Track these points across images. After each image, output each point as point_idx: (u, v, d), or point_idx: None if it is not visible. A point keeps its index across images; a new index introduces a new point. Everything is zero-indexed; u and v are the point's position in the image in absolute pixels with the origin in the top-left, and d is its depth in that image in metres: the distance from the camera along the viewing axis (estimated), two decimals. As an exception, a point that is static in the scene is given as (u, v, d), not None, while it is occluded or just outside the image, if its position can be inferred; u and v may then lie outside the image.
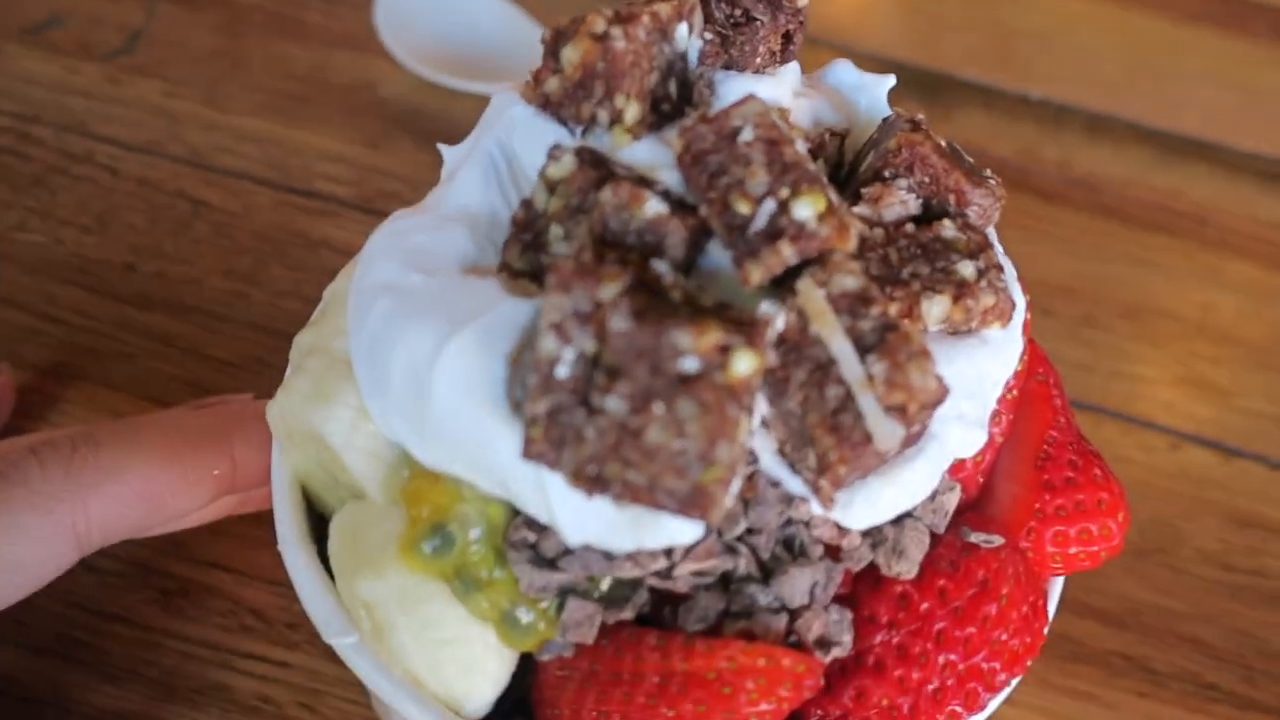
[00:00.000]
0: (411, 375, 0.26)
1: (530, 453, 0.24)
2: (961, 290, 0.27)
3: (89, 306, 0.47)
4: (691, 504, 0.23)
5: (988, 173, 0.30)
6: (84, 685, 0.37)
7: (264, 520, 0.41)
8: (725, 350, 0.22)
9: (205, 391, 0.45)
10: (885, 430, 0.24)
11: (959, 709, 0.28)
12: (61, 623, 0.38)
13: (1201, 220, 0.61)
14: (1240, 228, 0.61)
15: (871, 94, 0.32)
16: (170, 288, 0.48)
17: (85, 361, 0.45)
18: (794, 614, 0.27)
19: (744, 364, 0.22)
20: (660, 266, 0.24)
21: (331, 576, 0.29)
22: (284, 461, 0.31)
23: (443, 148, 0.30)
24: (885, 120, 0.31)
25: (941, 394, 0.25)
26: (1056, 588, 0.32)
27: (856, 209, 0.29)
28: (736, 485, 0.24)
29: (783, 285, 0.26)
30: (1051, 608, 0.31)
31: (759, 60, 0.30)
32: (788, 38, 0.30)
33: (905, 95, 0.63)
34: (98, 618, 0.39)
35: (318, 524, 0.31)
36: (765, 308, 0.24)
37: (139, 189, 0.51)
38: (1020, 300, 0.30)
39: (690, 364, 0.22)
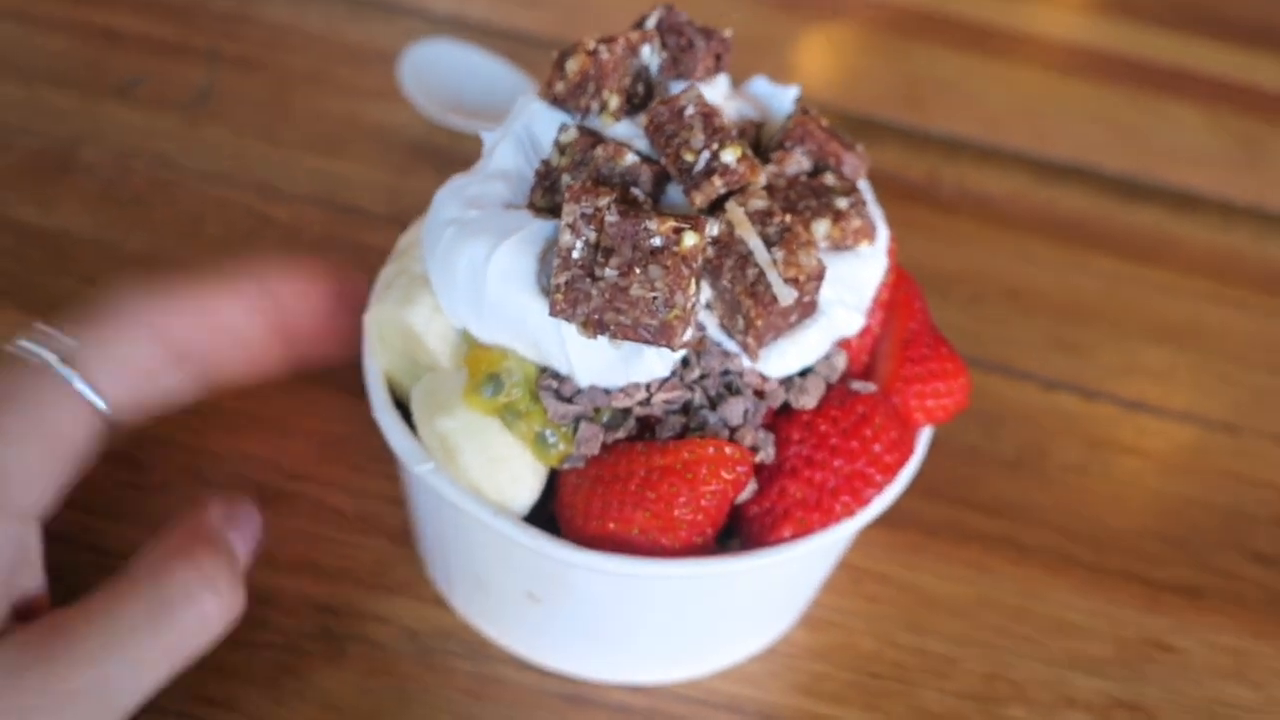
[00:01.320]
0: (471, 273, 0.38)
1: (554, 310, 0.37)
2: (838, 215, 0.41)
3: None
4: (660, 335, 0.36)
5: (858, 145, 0.44)
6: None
7: (335, 445, 0.53)
8: (678, 231, 0.35)
9: (281, 355, 0.57)
10: (785, 292, 0.37)
11: (850, 500, 0.40)
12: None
13: (1071, 224, 0.75)
14: (1101, 229, 0.75)
15: (781, 98, 0.46)
16: (249, 280, 0.61)
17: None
18: (733, 430, 0.39)
19: (690, 239, 0.35)
20: (636, 191, 0.38)
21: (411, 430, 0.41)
22: (373, 360, 0.43)
23: (483, 133, 0.43)
24: (789, 113, 0.45)
25: (821, 269, 0.38)
26: (925, 435, 0.44)
27: (767, 167, 0.42)
28: (691, 333, 0.37)
29: (716, 208, 0.39)
30: (920, 450, 0.44)
31: (700, 73, 0.44)
32: (719, 58, 0.44)
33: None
34: (212, 513, 0.51)
35: (397, 407, 0.43)
36: (705, 218, 0.38)
37: (219, 208, 0.64)
38: (883, 228, 0.43)
39: (656, 241, 0.35)
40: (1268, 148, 0.84)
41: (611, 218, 0.35)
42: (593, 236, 0.36)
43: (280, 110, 0.71)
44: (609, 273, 0.36)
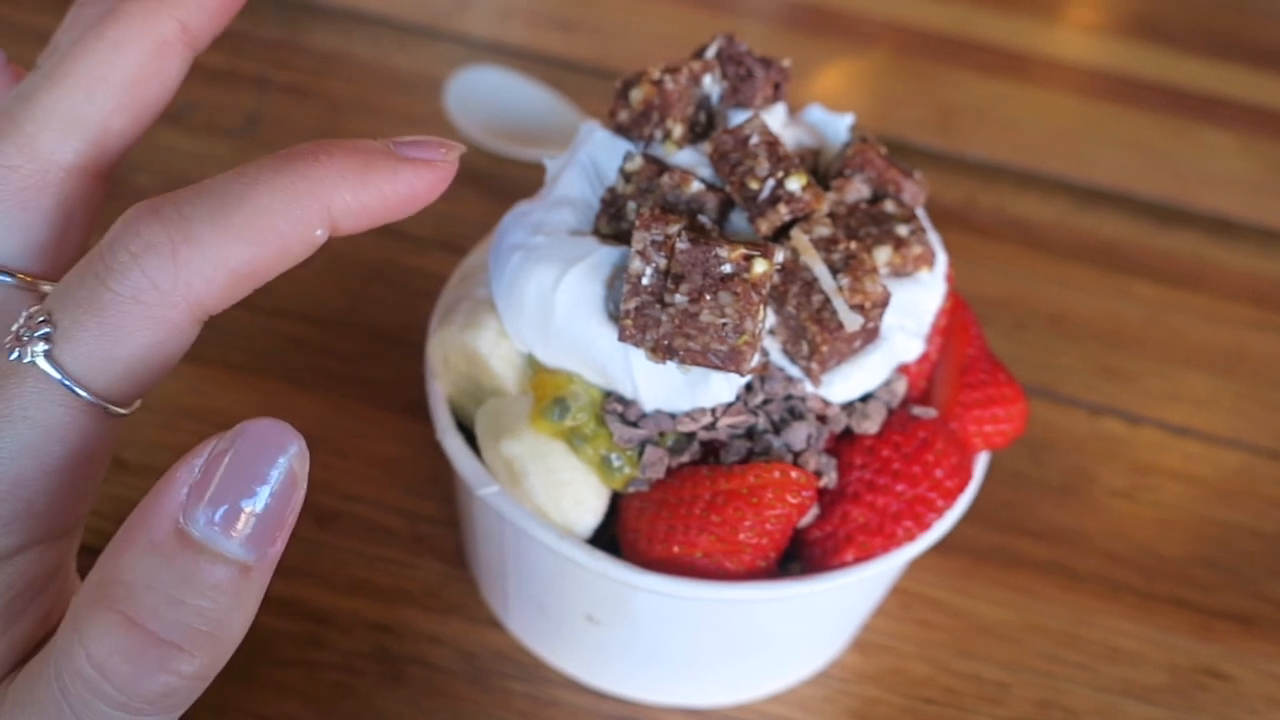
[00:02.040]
0: (539, 299, 0.39)
1: (624, 336, 0.37)
2: (899, 243, 0.41)
3: (240, 318, 0.59)
4: (730, 360, 0.36)
5: (916, 172, 0.44)
6: (263, 580, 0.49)
7: (390, 467, 0.54)
8: (749, 258, 0.36)
9: (334, 378, 0.58)
10: (851, 319, 0.38)
11: (912, 525, 0.40)
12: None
13: (1112, 251, 0.75)
14: (1140, 257, 0.75)
15: (835, 127, 0.47)
16: (300, 304, 0.61)
17: (241, 357, 0.58)
18: (797, 455, 0.40)
19: (760, 267, 0.36)
20: (703, 219, 0.38)
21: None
22: (437, 385, 0.44)
23: (546, 160, 0.44)
24: (846, 141, 0.45)
25: (886, 296, 0.38)
26: (982, 460, 0.45)
27: (828, 195, 0.43)
28: (757, 359, 0.37)
29: (781, 236, 0.40)
30: (978, 474, 0.44)
31: (759, 101, 0.45)
32: (777, 87, 0.45)
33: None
34: (268, 534, 0.51)
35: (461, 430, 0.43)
36: (773, 245, 0.38)
37: (268, 232, 0.65)
38: (942, 254, 0.43)
39: (727, 268, 0.36)
40: (1304, 173, 0.84)
41: (682, 245, 0.36)
42: (663, 263, 0.36)
43: (330, 136, 0.72)
44: (679, 299, 0.36)
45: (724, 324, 0.36)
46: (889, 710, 0.49)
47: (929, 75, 0.89)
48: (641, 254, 0.37)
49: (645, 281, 0.37)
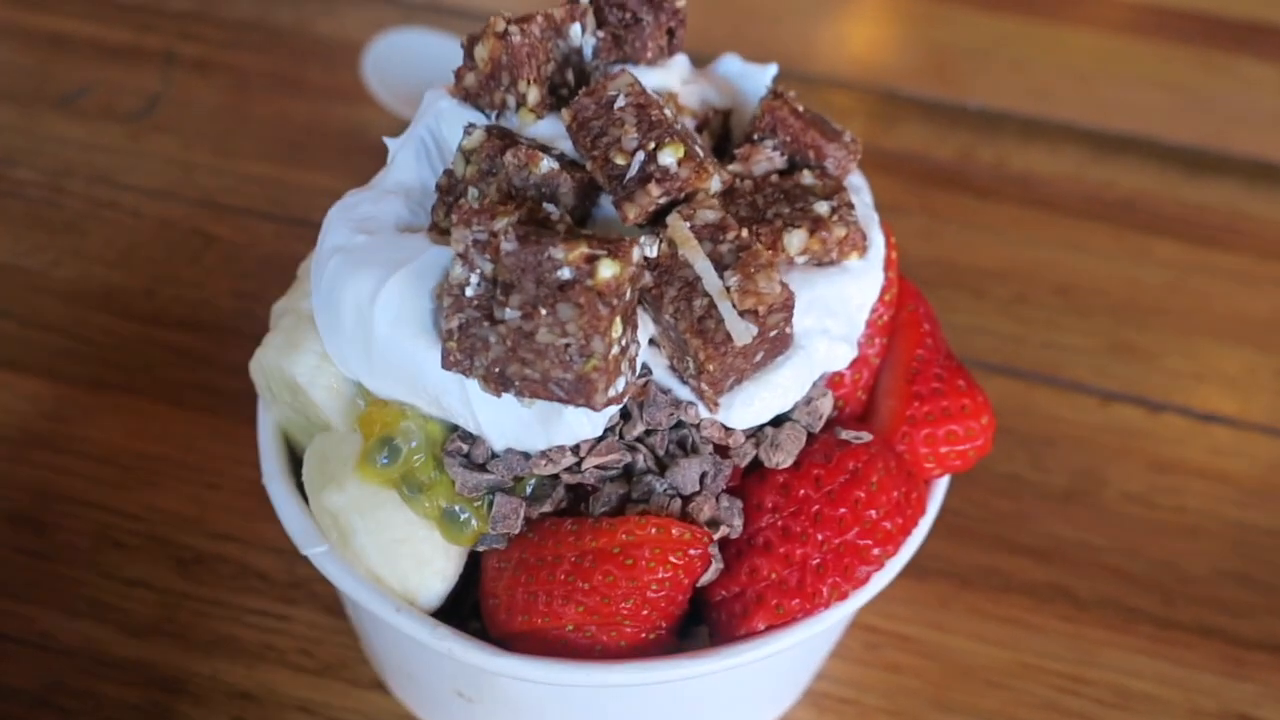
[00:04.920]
0: (357, 314, 0.31)
1: (448, 363, 0.29)
2: (817, 224, 0.33)
3: (115, 328, 0.53)
4: (577, 391, 0.28)
5: (846, 133, 0.35)
6: (112, 640, 0.42)
7: (267, 498, 0.47)
8: (592, 260, 0.27)
9: (218, 394, 0.51)
10: (740, 329, 0.29)
11: (839, 580, 0.32)
12: (92, 589, 0.44)
13: (1131, 206, 0.66)
14: (1166, 210, 0.65)
15: (755, 80, 0.38)
16: (186, 309, 0.54)
17: (112, 374, 0.51)
18: (687, 500, 0.32)
19: (607, 270, 0.27)
20: (549, 207, 0.30)
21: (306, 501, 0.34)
22: (268, 414, 0.36)
23: (386, 139, 0.36)
24: (761, 99, 0.37)
25: (787, 297, 0.30)
26: (940, 489, 0.36)
27: (731, 167, 0.34)
28: (621, 385, 0.29)
29: (657, 223, 0.31)
30: (934, 507, 0.36)
31: (649, 54, 0.36)
32: (671, 34, 0.36)
33: (852, 112, 0.69)
34: (124, 584, 0.44)
35: (297, 467, 0.36)
36: (642, 242, 0.30)
37: (159, 228, 0.58)
38: (878, 238, 0.35)
39: (565, 273, 0.28)
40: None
41: (508, 244, 0.28)
42: (489, 268, 0.28)
43: (235, 117, 0.64)
44: (510, 314, 0.28)
45: (566, 345, 0.28)
46: (846, 778, 0.41)
47: (922, 14, 0.79)
48: (463, 257, 0.29)
49: (470, 293, 0.29)
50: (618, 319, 0.28)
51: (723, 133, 0.37)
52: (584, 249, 0.27)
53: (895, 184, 0.65)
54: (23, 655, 0.42)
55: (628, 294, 0.28)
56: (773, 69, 0.39)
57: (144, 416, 0.50)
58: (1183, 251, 0.63)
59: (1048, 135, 0.70)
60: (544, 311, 0.28)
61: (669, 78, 0.36)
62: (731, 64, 0.38)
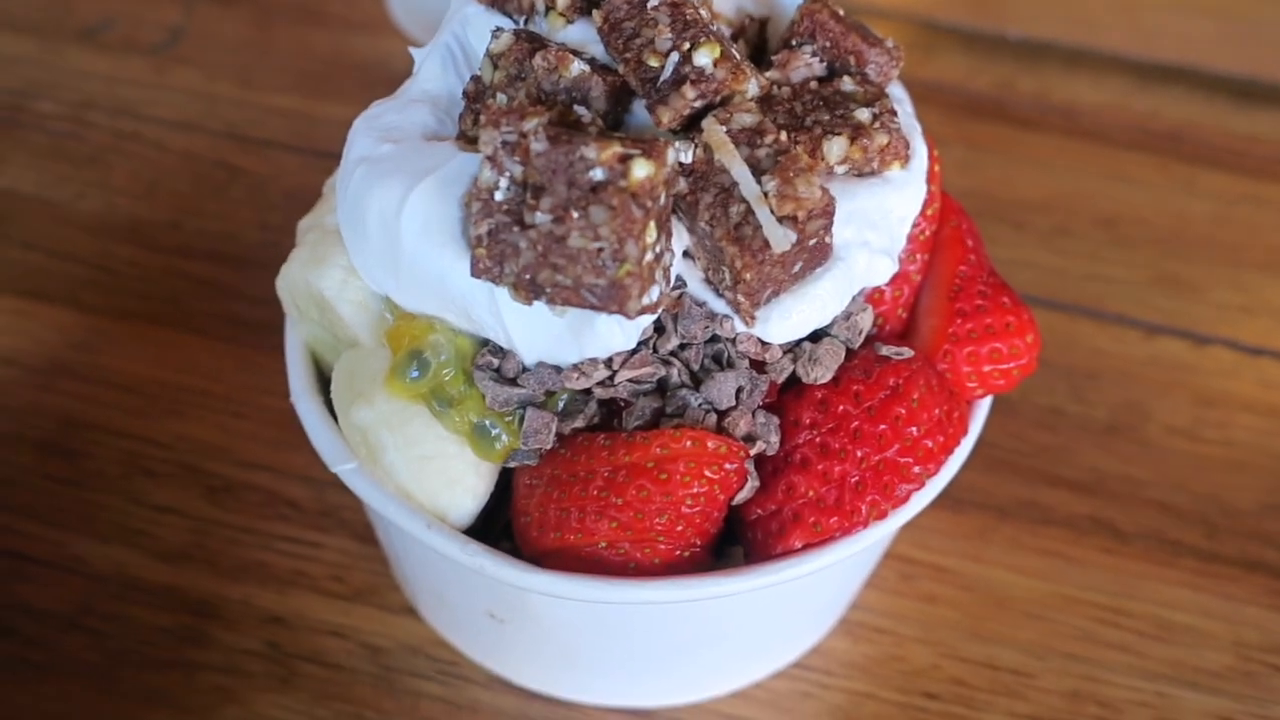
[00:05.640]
0: (383, 225, 0.30)
1: (477, 270, 0.28)
2: (858, 131, 0.31)
3: (141, 259, 0.53)
4: (610, 298, 0.27)
5: (888, 40, 0.34)
6: (143, 565, 0.42)
7: (295, 427, 0.46)
8: (625, 160, 0.26)
9: (244, 325, 0.50)
10: (779, 235, 0.28)
11: (878, 498, 0.31)
12: (122, 515, 0.44)
13: (1177, 137, 0.64)
14: (1214, 141, 0.63)
15: (792, -12, 0.37)
16: (211, 241, 0.54)
17: (136, 304, 0.51)
18: (723, 415, 0.31)
19: (641, 170, 0.26)
20: (580, 110, 0.29)
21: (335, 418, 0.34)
22: (294, 331, 0.36)
23: (412, 49, 0.35)
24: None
25: (827, 202, 0.29)
26: (982, 409, 0.35)
27: (768, 73, 0.33)
28: (655, 293, 0.28)
29: (692, 128, 0.30)
30: (977, 426, 0.35)
31: (683, -42, 0.35)
32: (706, -64, 0.35)
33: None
34: (154, 510, 0.44)
35: (325, 386, 0.35)
36: (677, 146, 0.29)
37: (183, 161, 0.57)
38: (921, 148, 0.33)
39: (598, 173, 0.27)
40: None
41: (538, 144, 0.27)
42: (519, 172, 0.27)
43: (259, 49, 0.63)
44: (540, 218, 0.27)
45: (599, 249, 0.27)
46: (880, 708, 0.40)
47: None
48: (491, 160, 0.28)
49: (499, 197, 0.28)
50: (651, 223, 0.27)
51: (758, 41, 0.36)
52: (617, 148, 0.26)
53: (934, 114, 0.63)
54: (54, 579, 0.42)
55: (662, 197, 0.27)
56: (811, -25, 0.37)
57: (170, 346, 0.49)
58: (1230, 183, 0.61)
59: (1091, 65, 0.67)
60: (575, 214, 0.27)
61: (703, -17, 0.35)
62: (768, -29, 0.37)
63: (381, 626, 0.41)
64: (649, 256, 0.27)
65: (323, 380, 0.35)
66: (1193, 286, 0.55)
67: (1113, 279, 0.56)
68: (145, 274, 0.52)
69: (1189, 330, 0.53)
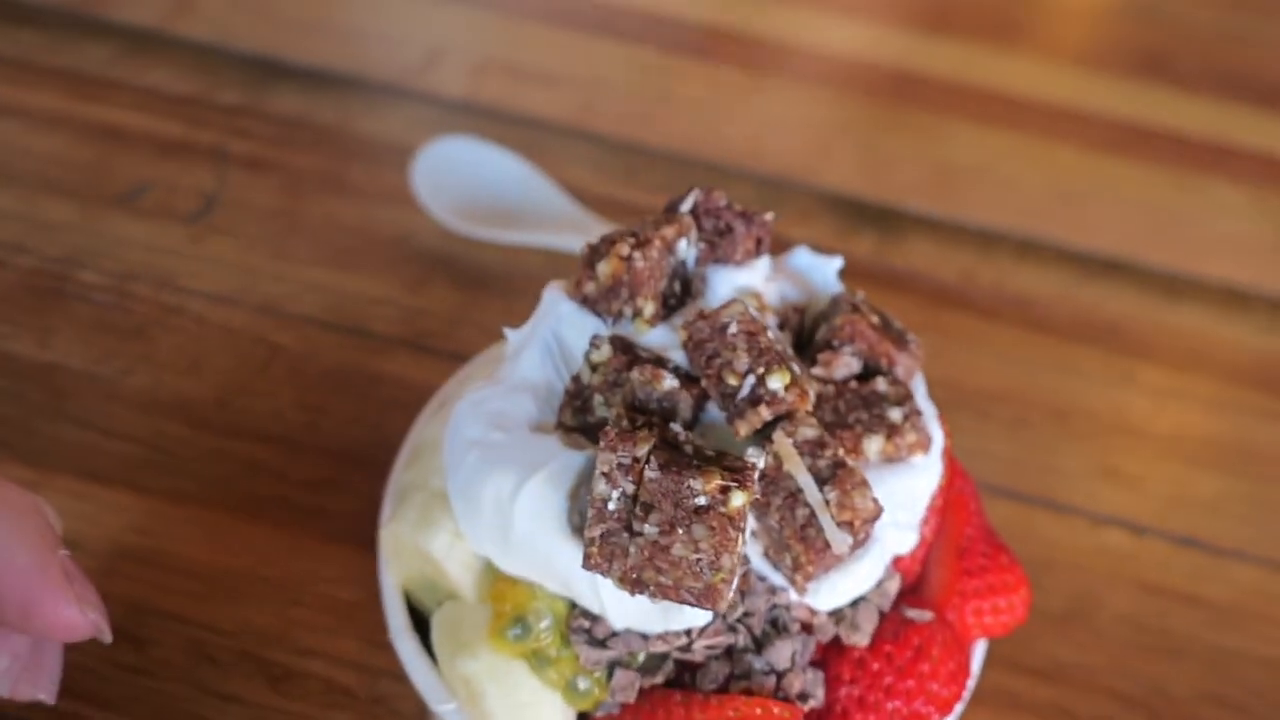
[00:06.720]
0: (497, 508, 0.35)
1: (589, 565, 0.34)
2: (892, 431, 0.38)
3: (191, 438, 0.56)
4: (705, 598, 0.33)
5: (910, 339, 0.40)
6: (211, 753, 0.46)
7: (348, 614, 0.50)
8: (725, 490, 0.32)
9: (293, 509, 0.54)
10: (839, 539, 0.34)
11: (904, 743, 0.37)
12: (190, 703, 0.47)
13: (1116, 330, 0.72)
14: (1148, 336, 0.72)
15: (823, 272, 0.43)
16: (256, 420, 0.57)
17: (191, 486, 0.54)
18: (780, 675, 0.36)
19: (738, 499, 0.32)
20: (676, 428, 0.34)
21: (431, 658, 0.38)
22: (389, 573, 0.40)
23: (507, 330, 0.40)
24: (835, 297, 0.42)
25: (877, 512, 0.35)
26: (980, 649, 0.41)
27: (814, 370, 0.39)
28: (735, 583, 0.34)
29: (762, 434, 0.36)
30: (976, 665, 0.41)
31: (739, 257, 0.41)
32: (759, 242, 0.41)
33: (861, 226, 0.75)
34: (218, 699, 0.48)
35: (416, 623, 0.40)
36: (751, 453, 0.34)
37: (224, 335, 0.61)
38: (938, 434, 0.40)
39: (701, 500, 0.32)
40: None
41: (652, 473, 0.32)
42: (630, 488, 0.33)
43: (289, 219, 0.68)
44: (649, 529, 0.33)
45: (698, 559, 0.32)
46: None
47: (925, 127, 0.85)
48: (607, 476, 0.33)
49: (611, 507, 0.33)
50: (740, 536, 0.33)
51: (798, 326, 0.42)
52: (718, 480, 0.32)
53: (908, 301, 0.71)
54: (130, 770, 0.45)
55: (751, 518, 0.33)
56: (838, 261, 0.44)
57: (221, 530, 0.53)
58: (1163, 375, 0.69)
59: (1040, 255, 0.75)
60: (680, 530, 0.32)
61: (754, 277, 0.41)
62: (802, 257, 0.43)
63: (436, 815, 0.46)
64: (737, 564, 0.33)
65: (414, 617, 0.40)
66: (1133, 479, 0.63)
67: (1063, 470, 0.63)
68: (197, 454, 0.56)
69: (1130, 520, 0.61)
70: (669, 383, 0.35)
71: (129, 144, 0.70)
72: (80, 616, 0.34)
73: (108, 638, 0.36)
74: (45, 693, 0.36)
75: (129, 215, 0.66)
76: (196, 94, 0.74)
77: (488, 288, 0.66)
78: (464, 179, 0.70)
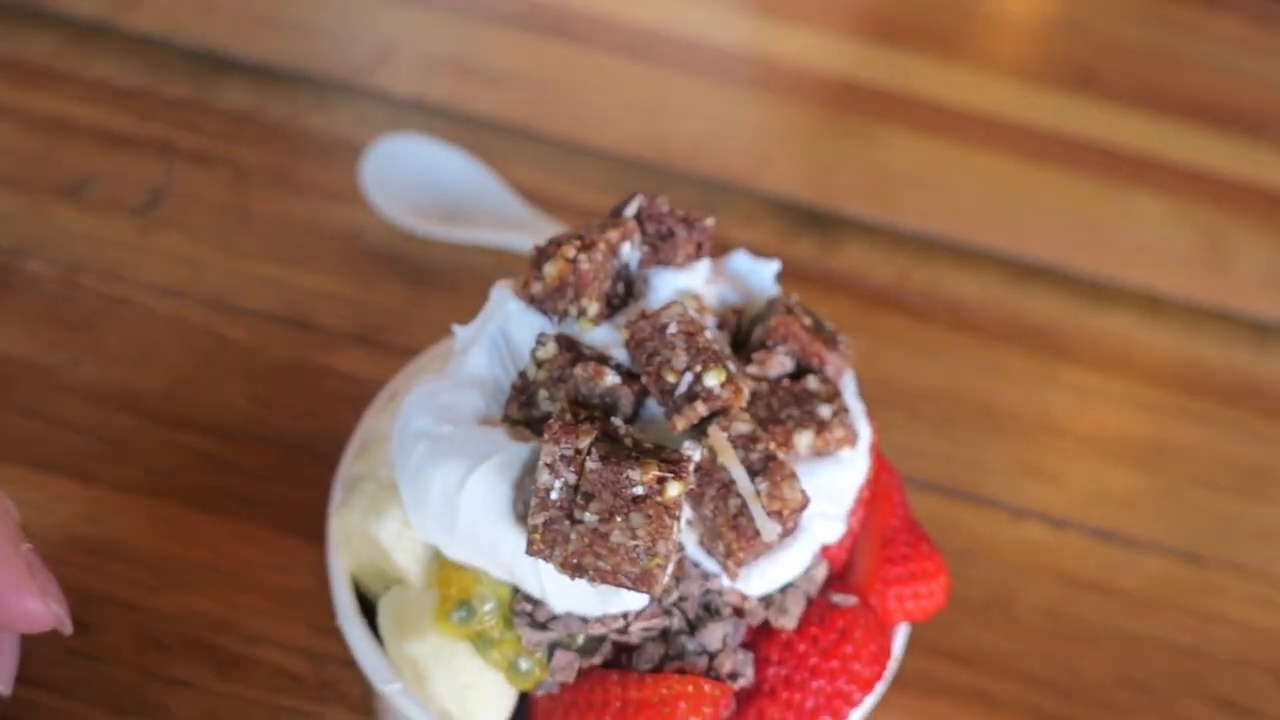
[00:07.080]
0: (444, 498, 0.37)
1: (532, 551, 0.35)
2: (821, 426, 0.40)
3: (139, 429, 0.57)
4: (641, 582, 0.35)
5: (840, 340, 0.43)
6: (159, 738, 0.47)
7: (295, 602, 0.52)
8: (662, 481, 0.34)
9: (241, 500, 0.55)
10: (769, 528, 0.36)
11: (829, 719, 0.39)
12: (138, 688, 0.48)
13: (1041, 333, 0.75)
14: (1072, 339, 0.75)
15: (761, 275, 0.45)
16: (205, 412, 0.58)
17: (139, 476, 0.55)
18: (712, 656, 0.38)
19: (674, 489, 0.34)
20: (617, 422, 0.36)
21: (378, 642, 0.40)
22: (338, 559, 0.42)
23: (456, 327, 0.41)
24: (770, 299, 0.44)
25: (805, 502, 0.37)
26: (902, 632, 0.44)
27: (749, 368, 0.41)
28: (670, 568, 0.36)
29: (699, 429, 0.38)
30: (898, 647, 0.43)
31: (680, 259, 0.43)
32: (699, 246, 0.43)
33: (801, 229, 0.77)
34: (166, 683, 0.49)
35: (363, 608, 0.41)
36: (687, 446, 0.36)
37: (172, 327, 0.62)
38: (865, 431, 0.42)
39: (639, 490, 0.34)
40: (1230, 241, 0.84)
41: (593, 464, 0.34)
42: (572, 478, 0.35)
43: (239, 214, 0.68)
44: (589, 517, 0.34)
45: (635, 545, 0.34)
46: None
47: (865, 134, 0.87)
48: (550, 468, 0.35)
49: (554, 496, 0.35)
50: (676, 524, 0.35)
51: (736, 326, 0.44)
52: (655, 471, 0.34)
53: (843, 303, 0.73)
54: (79, 754, 0.46)
55: (686, 506, 0.35)
56: (775, 265, 0.46)
57: (169, 520, 0.54)
58: (1085, 376, 0.72)
59: (973, 260, 0.78)
60: (619, 519, 0.34)
61: (694, 279, 0.43)
62: (741, 261, 0.45)
63: (382, 795, 0.47)
64: (672, 550, 0.35)
65: (361, 603, 0.41)
66: (1053, 474, 0.66)
67: (988, 465, 0.66)
68: (146, 445, 0.56)
69: (1049, 515, 0.64)
70: (611, 379, 0.37)
71: (75, 136, 0.71)
72: (44, 609, 0.35)
73: (69, 629, 0.36)
74: (3, 684, 0.37)
75: (76, 207, 0.67)
76: (143, 87, 0.74)
77: (436, 284, 0.67)
78: (413, 177, 0.71)
